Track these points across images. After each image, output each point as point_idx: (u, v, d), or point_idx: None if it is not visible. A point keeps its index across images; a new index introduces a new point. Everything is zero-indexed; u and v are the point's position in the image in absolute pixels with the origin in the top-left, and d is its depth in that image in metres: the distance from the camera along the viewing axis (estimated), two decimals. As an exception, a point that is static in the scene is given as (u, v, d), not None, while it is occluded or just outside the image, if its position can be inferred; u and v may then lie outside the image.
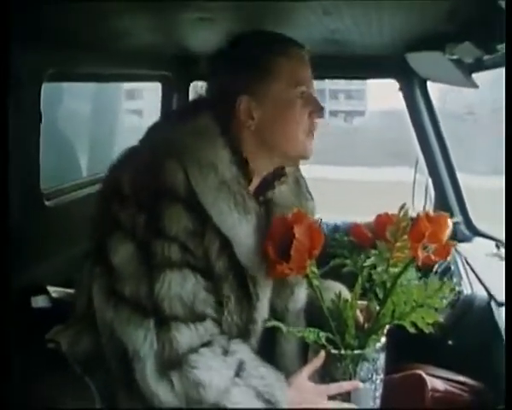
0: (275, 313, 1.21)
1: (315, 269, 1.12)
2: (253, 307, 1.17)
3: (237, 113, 1.19)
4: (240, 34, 1.27)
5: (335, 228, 2.12)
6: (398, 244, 1.11)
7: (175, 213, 1.08)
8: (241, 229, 1.14)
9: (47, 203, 1.82)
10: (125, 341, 1.07)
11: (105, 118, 3.27)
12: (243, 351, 1.13)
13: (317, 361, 1.14)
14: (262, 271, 1.17)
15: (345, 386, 1.14)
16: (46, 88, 1.75)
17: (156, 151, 1.15)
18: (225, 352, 1.11)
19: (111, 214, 1.11)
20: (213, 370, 1.07)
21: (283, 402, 1.11)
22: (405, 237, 1.10)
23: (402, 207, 1.13)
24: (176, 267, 1.08)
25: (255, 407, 1.09)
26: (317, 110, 1.25)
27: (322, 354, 1.13)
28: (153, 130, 1.26)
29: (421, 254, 1.05)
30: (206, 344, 1.10)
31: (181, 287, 1.08)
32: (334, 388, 1.14)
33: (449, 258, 1.72)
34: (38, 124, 1.74)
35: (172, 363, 1.06)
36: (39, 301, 1.60)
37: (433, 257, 1.07)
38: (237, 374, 1.10)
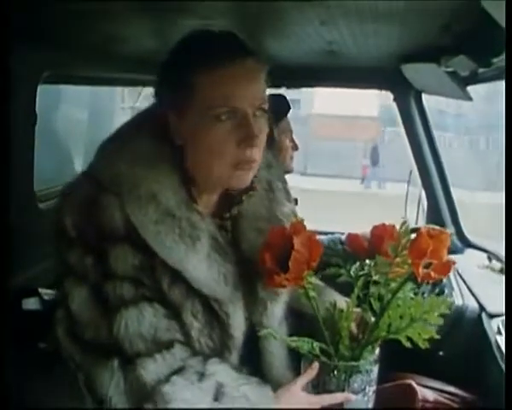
0: (252, 327, 1.17)
1: (311, 279, 1.11)
2: (226, 326, 1.12)
3: (170, 130, 1.09)
4: (182, 37, 1.12)
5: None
6: (398, 260, 1.10)
7: (120, 253, 1.04)
8: (191, 260, 1.08)
9: (40, 205, 1.82)
10: (94, 381, 1.05)
11: (100, 121, 3.27)
12: (221, 372, 1.09)
13: (311, 372, 1.12)
14: (225, 289, 1.12)
15: (338, 397, 1.12)
16: (42, 90, 1.75)
17: (95, 185, 1.08)
18: (201, 376, 1.07)
19: (62, 257, 1.07)
20: (187, 398, 1.04)
21: None
22: (405, 252, 1.09)
23: (403, 223, 1.13)
24: (131, 304, 1.04)
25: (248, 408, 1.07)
26: (247, 138, 1.06)
27: (316, 364, 1.12)
28: (100, 150, 1.16)
29: (421, 271, 1.05)
30: (179, 371, 1.06)
31: (138, 323, 1.04)
32: (328, 399, 1.12)
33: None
34: (33, 126, 1.74)
35: (144, 399, 1.04)
36: (31, 304, 1.60)
37: (433, 274, 1.06)
38: (216, 398, 1.06)
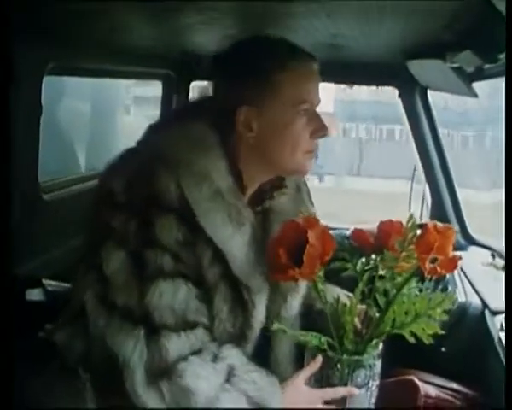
0: (268, 319, 1.19)
1: (321, 273, 1.11)
2: (249, 315, 1.15)
3: (236, 123, 1.15)
4: (246, 39, 1.21)
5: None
6: (404, 254, 1.11)
7: (167, 224, 1.07)
8: (235, 241, 1.12)
9: (45, 196, 1.82)
10: (116, 349, 1.06)
11: (104, 115, 3.28)
12: (234, 356, 1.12)
13: (315, 365, 1.13)
14: (256, 279, 1.15)
15: (341, 391, 1.13)
16: (47, 82, 1.75)
17: (150, 158, 1.12)
18: (215, 358, 1.10)
19: (104, 222, 1.09)
20: (202, 377, 1.06)
21: (276, 407, 1.09)
22: (411, 247, 1.09)
23: (410, 217, 1.13)
24: (168, 277, 1.07)
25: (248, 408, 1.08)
26: (320, 130, 1.19)
27: (320, 358, 1.13)
28: (150, 132, 1.22)
29: (428, 265, 1.05)
30: (197, 352, 1.08)
31: (172, 297, 1.07)
32: (330, 393, 1.13)
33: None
34: (39, 117, 1.74)
35: (162, 372, 1.05)
36: (34, 294, 1.60)
37: (439, 269, 1.06)
38: (227, 380, 1.08)
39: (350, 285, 1.18)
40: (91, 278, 1.10)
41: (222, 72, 1.21)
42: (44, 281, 1.63)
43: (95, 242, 1.11)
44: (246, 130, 1.16)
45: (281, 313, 1.22)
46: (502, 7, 1.03)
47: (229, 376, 1.09)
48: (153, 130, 1.23)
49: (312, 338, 1.11)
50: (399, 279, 1.10)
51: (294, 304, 1.24)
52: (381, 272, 1.13)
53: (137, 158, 1.15)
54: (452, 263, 1.08)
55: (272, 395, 1.10)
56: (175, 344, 1.06)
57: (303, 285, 1.24)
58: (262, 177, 1.23)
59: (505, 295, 0.94)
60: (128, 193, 1.09)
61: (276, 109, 1.15)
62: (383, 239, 1.15)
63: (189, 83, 2.56)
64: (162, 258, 1.06)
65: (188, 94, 2.57)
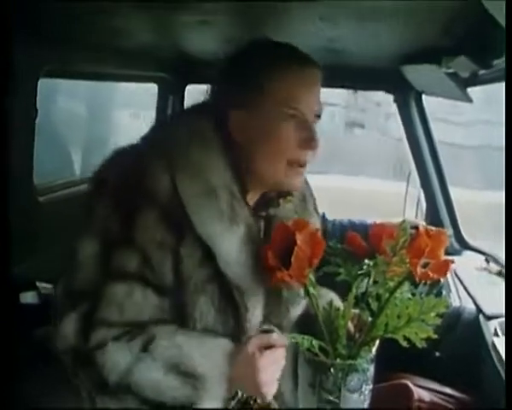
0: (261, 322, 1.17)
1: (312, 277, 1.11)
2: (242, 319, 1.12)
3: (229, 127, 1.14)
4: (245, 42, 1.19)
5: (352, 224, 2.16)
6: (396, 258, 1.10)
7: (148, 220, 1.05)
8: (224, 239, 1.10)
9: (40, 199, 1.82)
10: (58, 327, 1.08)
11: (100, 118, 3.28)
12: (160, 329, 1.08)
13: (263, 338, 1.09)
14: (249, 281, 1.13)
15: (277, 339, 1.09)
16: (43, 85, 1.75)
17: (144, 153, 1.11)
18: (132, 337, 1.07)
19: (90, 209, 1.09)
20: (114, 352, 1.05)
21: (208, 373, 1.05)
22: (403, 251, 1.09)
23: (402, 222, 1.13)
24: (128, 280, 1.06)
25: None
26: (309, 140, 1.13)
27: (284, 337, 1.11)
28: (154, 128, 1.22)
29: (419, 270, 1.05)
30: (117, 338, 1.06)
31: (125, 298, 1.06)
32: (265, 339, 1.09)
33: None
34: (34, 119, 1.74)
35: (81, 357, 1.06)
36: (28, 297, 1.60)
37: (431, 274, 1.06)
38: (144, 349, 1.06)
39: (344, 289, 1.18)
40: (66, 267, 1.11)
41: (220, 74, 1.20)
42: (38, 284, 1.63)
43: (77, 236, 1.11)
44: (238, 133, 1.14)
45: (282, 323, 1.20)
46: (496, 13, 1.03)
47: (147, 344, 1.06)
48: (157, 126, 1.24)
49: (304, 341, 1.10)
50: (391, 284, 1.10)
51: (295, 314, 1.23)
52: (374, 279, 1.13)
53: (132, 154, 1.14)
54: (444, 267, 1.08)
55: (202, 360, 1.06)
56: (100, 334, 1.05)
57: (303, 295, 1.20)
58: (257, 187, 1.19)
59: (505, 293, 0.94)
60: (117, 187, 1.08)
61: (262, 112, 1.12)
62: (374, 242, 1.15)
63: (185, 86, 2.57)
64: (129, 258, 1.05)
65: (183, 97, 2.57)
